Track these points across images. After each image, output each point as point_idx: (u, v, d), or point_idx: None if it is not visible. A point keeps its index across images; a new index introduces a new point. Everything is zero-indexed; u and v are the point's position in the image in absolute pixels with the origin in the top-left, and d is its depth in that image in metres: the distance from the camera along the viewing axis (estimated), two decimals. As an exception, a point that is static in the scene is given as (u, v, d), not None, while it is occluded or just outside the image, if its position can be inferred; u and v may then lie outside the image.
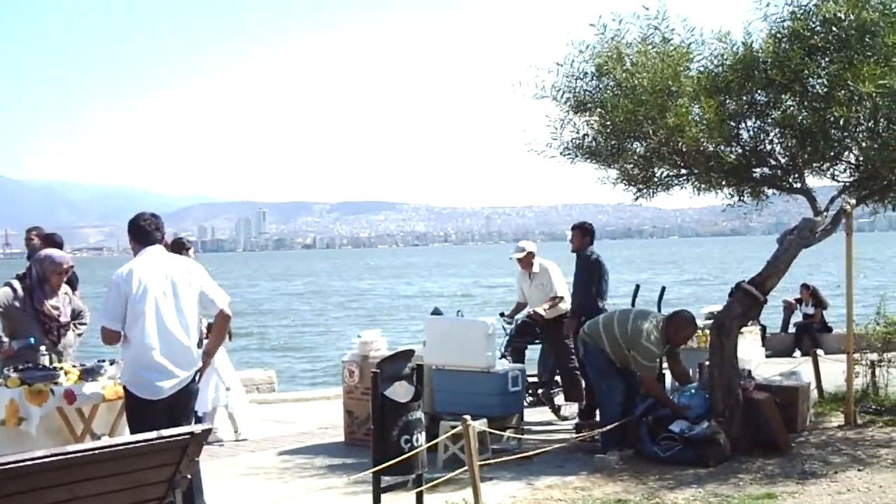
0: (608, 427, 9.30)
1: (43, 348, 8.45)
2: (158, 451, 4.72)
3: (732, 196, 10.50)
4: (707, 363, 9.85)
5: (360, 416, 10.28)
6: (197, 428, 4.88)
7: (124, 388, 6.97)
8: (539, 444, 9.32)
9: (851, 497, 7.76)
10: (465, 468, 7.25)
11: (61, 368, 8.21)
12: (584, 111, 9.94)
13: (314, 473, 9.24)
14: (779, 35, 9.13)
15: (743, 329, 10.49)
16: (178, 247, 11.22)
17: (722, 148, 9.46)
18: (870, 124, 9.11)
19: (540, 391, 11.75)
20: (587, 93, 9.85)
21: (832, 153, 9.53)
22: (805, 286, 19.84)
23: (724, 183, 10.23)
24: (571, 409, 11.61)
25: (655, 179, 10.38)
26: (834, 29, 8.75)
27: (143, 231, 7.04)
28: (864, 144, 9.18)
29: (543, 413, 11.69)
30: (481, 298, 54.79)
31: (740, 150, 9.74)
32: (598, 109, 9.67)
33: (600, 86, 9.75)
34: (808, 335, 18.47)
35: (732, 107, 9.46)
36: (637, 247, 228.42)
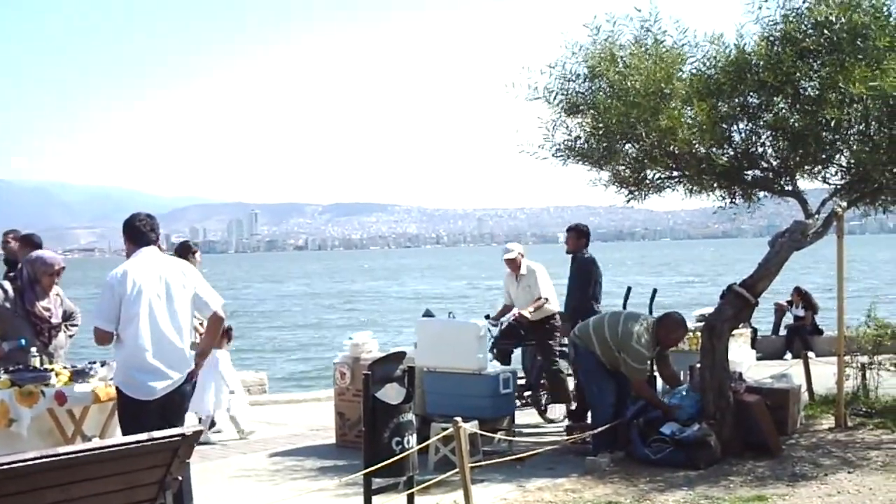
0: (599, 429, 9.31)
1: (34, 350, 8.43)
2: (149, 453, 4.71)
3: (724, 198, 10.51)
4: (698, 365, 9.86)
5: (351, 417, 10.28)
6: (188, 430, 4.87)
7: (117, 388, 6.96)
8: (530, 446, 9.33)
9: (841, 499, 7.78)
10: (456, 470, 7.25)
11: (52, 370, 8.19)
12: (576, 113, 9.94)
13: (305, 475, 9.22)
14: (771, 38, 9.14)
15: (734, 331, 10.50)
16: (185, 250, 11.25)
17: (714, 150, 9.47)
18: (861, 127, 9.14)
19: (527, 393, 11.74)
20: (579, 95, 9.85)
21: (823, 156, 9.55)
22: (797, 289, 19.88)
23: (715, 185, 10.25)
24: (557, 411, 11.60)
25: (647, 181, 10.39)
26: (826, 32, 8.77)
27: (138, 232, 7.03)
28: (855, 147, 9.20)
29: (534, 415, 11.68)
30: (474, 300, 54.79)
31: (732, 153, 9.75)
32: (591, 111, 9.67)
33: (593, 88, 9.76)
34: (799, 338, 18.50)
35: (725, 109, 9.47)
36: (629, 249, 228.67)
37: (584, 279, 11.09)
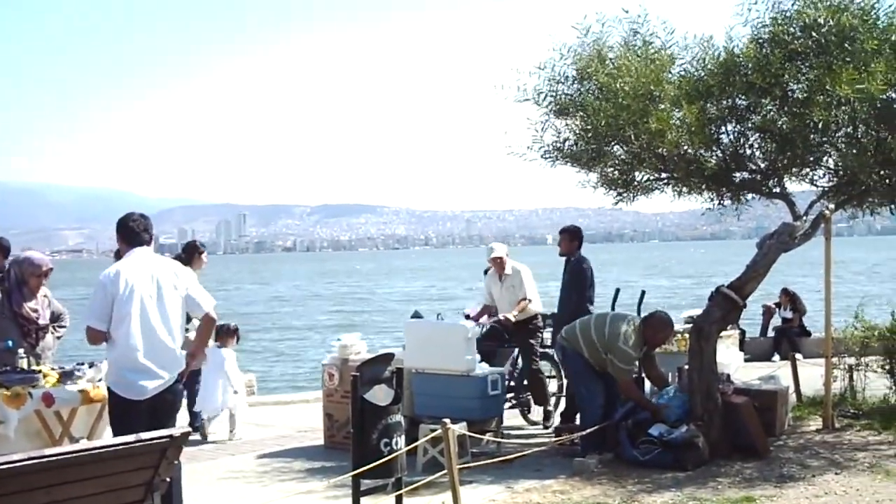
0: (587, 430, 9.31)
1: (21, 351, 8.40)
2: (137, 455, 4.69)
3: (712, 200, 10.52)
4: (686, 367, 9.88)
5: (339, 419, 10.27)
6: (176, 431, 4.86)
7: (108, 389, 6.96)
8: (518, 448, 9.33)
9: (829, 500, 7.80)
10: (445, 472, 7.24)
11: (40, 371, 8.17)
12: (565, 114, 9.94)
13: (294, 477, 9.21)
14: (760, 40, 9.17)
15: (722, 333, 10.52)
16: (192, 250, 11.25)
17: (702, 152, 9.50)
18: (848, 129, 9.17)
19: (509, 395, 11.72)
20: (568, 96, 9.85)
21: (811, 158, 9.58)
22: (785, 291, 19.91)
23: (704, 187, 10.26)
24: (537, 413, 11.58)
25: (636, 183, 10.40)
26: (814, 34, 8.79)
27: (132, 232, 7.04)
28: (842, 149, 9.23)
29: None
30: (465, 302, 54.65)
31: (720, 155, 9.78)
32: (580, 113, 9.67)
33: (582, 89, 9.76)
34: (787, 339, 18.53)
35: (713, 111, 9.50)
36: (618, 251, 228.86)
37: (580, 283, 11.04)
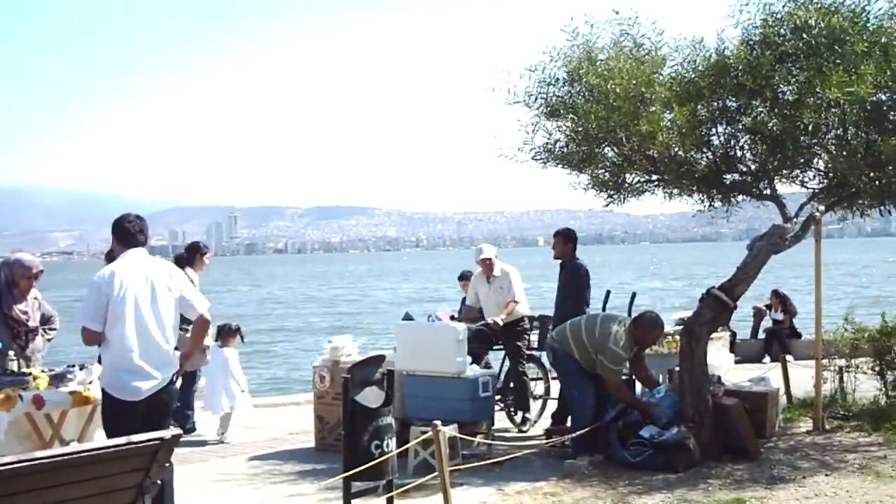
0: (578, 432, 9.32)
1: (11, 353, 8.38)
2: (128, 457, 4.68)
3: (703, 202, 10.52)
4: (677, 369, 9.89)
5: (330, 421, 10.27)
6: (167, 433, 4.85)
7: (102, 390, 6.95)
8: (509, 450, 9.34)
9: (819, 502, 7.81)
10: (436, 474, 7.25)
11: (30, 374, 8.14)
12: (556, 116, 9.95)
13: (285, 479, 9.20)
14: (750, 41, 9.18)
15: (713, 335, 10.54)
16: (195, 251, 11.24)
17: (693, 154, 9.51)
18: (838, 132, 9.18)
19: (497, 397, 11.71)
20: (559, 98, 9.86)
21: (801, 160, 9.59)
22: (775, 292, 19.95)
23: (694, 189, 10.27)
24: (520, 414, 11.57)
25: (627, 185, 10.41)
26: (804, 36, 8.81)
27: (127, 233, 7.04)
28: (832, 151, 9.24)
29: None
30: (456, 305, 54.51)
31: (711, 157, 9.79)
32: (571, 115, 9.68)
33: (572, 91, 9.77)
34: (778, 341, 18.56)
35: (704, 113, 9.50)
36: (609, 252, 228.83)
37: (576, 287, 10.98)
